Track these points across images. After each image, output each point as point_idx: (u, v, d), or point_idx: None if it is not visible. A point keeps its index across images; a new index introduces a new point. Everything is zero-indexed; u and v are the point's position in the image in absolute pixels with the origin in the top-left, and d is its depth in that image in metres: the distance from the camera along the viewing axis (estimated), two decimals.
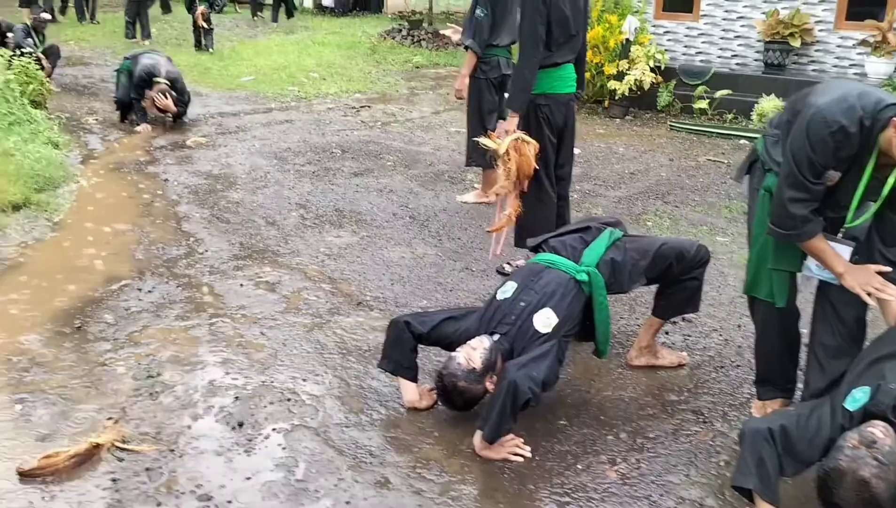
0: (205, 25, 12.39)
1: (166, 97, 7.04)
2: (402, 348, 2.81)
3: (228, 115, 8.18)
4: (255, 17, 17.10)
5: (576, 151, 6.97)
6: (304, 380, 3.02)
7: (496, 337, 2.69)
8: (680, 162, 6.66)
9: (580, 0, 3.81)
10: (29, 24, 8.71)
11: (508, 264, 4.19)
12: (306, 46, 13.16)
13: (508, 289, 2.82)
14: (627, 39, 8.37)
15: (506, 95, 5.05)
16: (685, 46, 9.67)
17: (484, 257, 4.35)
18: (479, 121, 5.15)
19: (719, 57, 9.53)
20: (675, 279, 3.04)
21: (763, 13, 9.03)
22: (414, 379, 2.84)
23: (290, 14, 17.20)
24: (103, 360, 3.09)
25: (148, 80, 7.01)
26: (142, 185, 5.58)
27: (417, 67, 12.23)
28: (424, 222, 4.96)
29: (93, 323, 3.41)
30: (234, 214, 5.02)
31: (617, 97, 8.38)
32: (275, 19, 16.77)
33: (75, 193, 5.30)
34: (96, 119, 7.65)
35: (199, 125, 7.64)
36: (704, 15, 9.56)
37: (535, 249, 3.09)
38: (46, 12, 8.93)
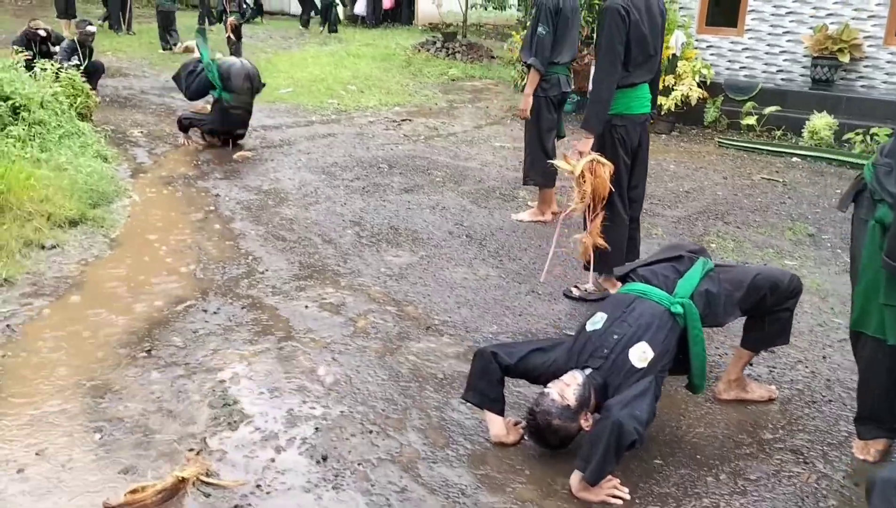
0: (232, 36, 12.56)
1: None
2: (488, 379, 2.71)
3: (271, 128, 8.15)
4: (305, 28, 17.50)
5: None
6: (382, 410, 2.92)
7: (588, 371, 2.58)
8: (734, 180, 6.52)
9: (658, 19, 3.71)
10: (75, 39, 8.72)
11: (576, 287, 4.09)
12: (341, 58, 13.16)
13: (598, 320, 2.71)
14: (674, 54, 8.26)
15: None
16: (729, 61, 9.54)
17: (551, 281, 4.25)
18: (539, 139, 5.06)
19: (764, 72, 9.39)
20: (768, 310, 2.91)
21: (810, 28, 8.89)
22: (501, 412, 2.73)
23: (333, 29, 17.44)
24: (177, 387, 3.02)
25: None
26: (194, 200, 5.54)
27: (454, 80, 12.19)
28: (482, 242, 4.87)
29: (162, 346, 3.34)
30: (289, 231, 4.95)
31: (663, 112, 8.25)
32: (332, 29, 17.17)
33: (129, 208, 5.26)
34: (141, 131, 7.65)
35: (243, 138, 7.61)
36: (749, 30, 9.42)
37: (623, 278, 2.98)
38: (91, 24, 8.93)
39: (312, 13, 18.21)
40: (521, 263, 4.54)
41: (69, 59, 8.30)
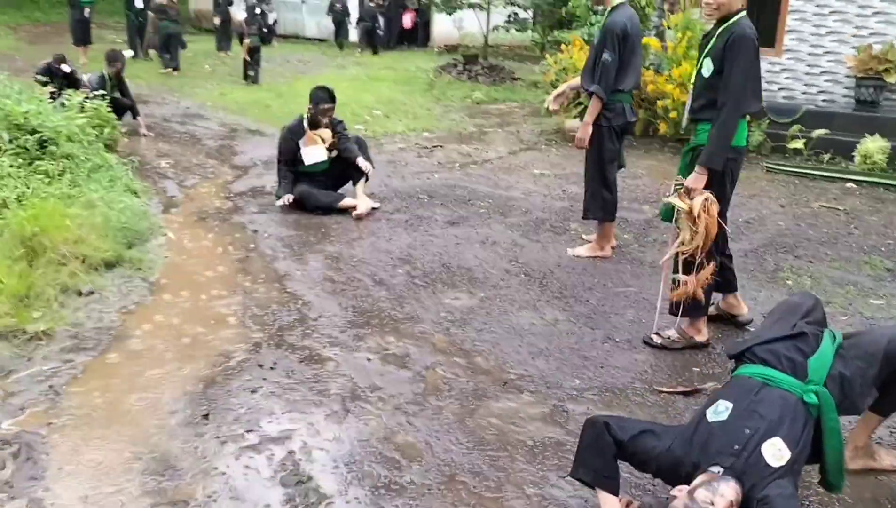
0: (247, 58, 12.73)
1: None
2: (602, 453, 2.39)
3: None
4: (341, 50, 18.06)
5: None
6: (474, 488, 2.61)
7: (717, 470, 2.24)
8: (793, 209, 6.22)
9: None
10: (104, 72, 8.42)
11: (657, 334, 3.78)
12: (363, 83, 12.98)
13: (723, 410, 2.36)
14: None
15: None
16: (767, 83, 9.25)
17: (625, 325, 3.94)
18: (600, 171, 4.78)
19: (804, 94, 9.12)
20: None
21: (853, 48, 8.61)
22: (615, 492, 2.41)
23: (375, 51, 17.63)
24: (243, 461, 2.72)
25: None
26: (231, 237, 5.26)
27: (478, 103, 11.97)
28: (542, 281, 4.57)
29: (220, 409, 3.04)
30: (336, 270, 4.67)
31: None
32: (375, 51, 17.79)
33: (165, 247, 4.99)
34: (168, 162, 7.41)
35: (273, 167, 7.34)
36: (788, 50, 9.17)
37: (737, 356, 2.64)
38: (123, 52, 8.62)
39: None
40: (590, 305, 4.24)
41: (96, 91, 8.08)
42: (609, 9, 4.62)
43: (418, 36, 20.66)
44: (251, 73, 12.93)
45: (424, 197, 6.41)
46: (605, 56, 4.45)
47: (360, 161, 5.91)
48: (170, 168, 7.23)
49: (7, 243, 4.29)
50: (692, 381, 3.40)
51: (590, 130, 4.63)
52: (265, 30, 16.66)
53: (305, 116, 6.06)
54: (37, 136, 5.71)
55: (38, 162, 5.55)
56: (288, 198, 5.87)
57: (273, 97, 11.38)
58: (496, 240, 5.33)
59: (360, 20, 18.32)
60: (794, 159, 7.92)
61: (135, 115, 8.60)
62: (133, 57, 14.32)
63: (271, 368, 3.41)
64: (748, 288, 4.44)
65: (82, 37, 14.21)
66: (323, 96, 5.99)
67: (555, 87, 9.12)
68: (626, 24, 4.46)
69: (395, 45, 19.27)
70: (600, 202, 4.82)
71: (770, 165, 7.58)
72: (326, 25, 20.46)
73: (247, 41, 13.04)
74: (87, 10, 14.03)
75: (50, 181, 5.38)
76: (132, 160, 6.99)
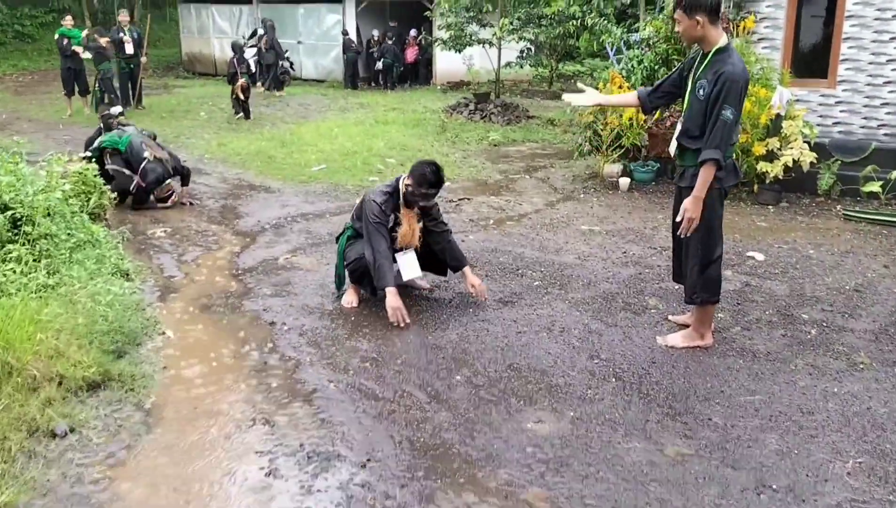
0: (241, 96, 13.02)
1: None
2: None
3: (312, 217, 6.99)
4: (354, 89, 17.99)
5: (758, 255, 5.70)
6: None
7: None
8: None
9: None
10: (101, 126, 7.57)
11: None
12: (370, 126, 12.15)
13: None
14: (778, 114, 7.15)
15: None
16: (820, 117, 8.43)
17: (775, 461, 2.99)
18: (709, 243, 3.85)
19: (863, 128, 8.28)
20: None
21: None
22: None
23: (355, 86, 17.34)
24: None
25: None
26: (244, 333, 4.32)
27: (496, 145, 11.13)
28: (640, 387, 3.62)
29: None
30: (378, 380, 3.71)
31: (768, 181, 7.10)
32: (392, 87, 18.11)
33: (162, 353, 4.03)
34: (165, 231, 6.48)
35: (284, 232, 6.45)
36: (843, 81, 8.34)
37: None
38: (116, 105, 7.73)
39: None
40: (716, 427, 3.28)
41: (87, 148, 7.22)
42: (713, 52, 3.71)
43: (419, 73, 19.97)
44: (241, 111, 13.13)
45: None
46: (727, 113, 3.53)
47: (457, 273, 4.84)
48: (166, 238, 6.29)
49: None
50: None
51: (701, 205, 3.70)
52: (284, 70, 16.98)
53: (402, 188, 4.53)
54: (8, 213, 4.80)
55: (9, 246, 4.62)
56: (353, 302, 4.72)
57: (276, 146, 10.51)
58: (565, 326, 4.39)
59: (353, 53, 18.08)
60: (871, 204, 7.04)
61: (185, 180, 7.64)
62: (125, 108, 13.44)
63: None
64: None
65: (73, 87, 13.36)
66: (430, 179, 4.40)
67: (594, 130, 8.28)
68: (747, 75, 3.59)
69: (395, 85, 18.57)
70: (708, 281, 3.90)
71: (848, 213, 6.68)
72: (324, 66, 19.76)
73: (241, 81, 13.06)
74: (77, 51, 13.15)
75: (25, 271, 4.45)
76: (123, 231, 6.08)
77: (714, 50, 3.68)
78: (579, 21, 11.63)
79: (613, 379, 3.72)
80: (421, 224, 4.68)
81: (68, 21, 13.36)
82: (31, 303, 3.94)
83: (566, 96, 4.31)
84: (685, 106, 3.85)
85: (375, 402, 3.51)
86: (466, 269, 4.76)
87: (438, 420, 3.34)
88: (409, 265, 4.65)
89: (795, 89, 8.43)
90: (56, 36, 13.29)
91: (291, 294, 4.94)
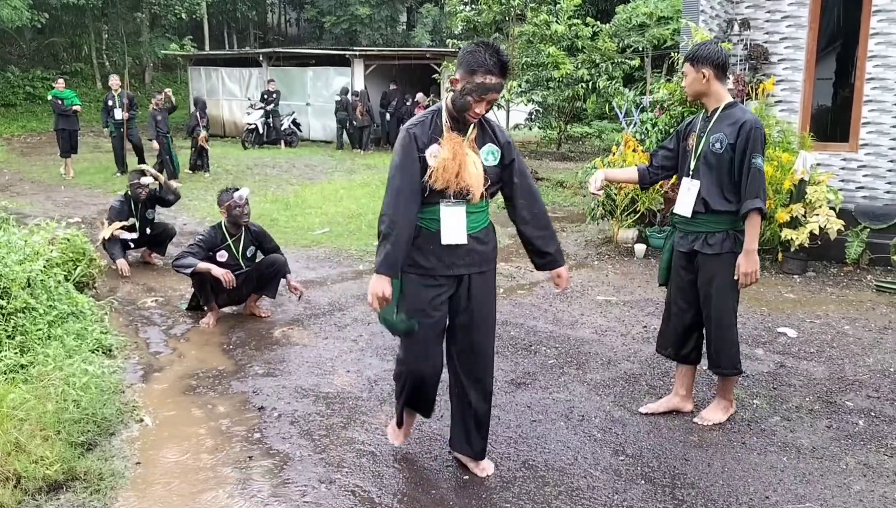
0: (205, 146, 13.76)
1: None
2: None
3: (314, 284, 6.64)
4: (340, 149, 18.12)
5: (790, 332, 5.29)
6: None
7: None
8: None
9: None
10: (127, 192, 7.15)
11: None
12: (376, 188, 11.90)
13: None
14: (802, 179, 6.83)
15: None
16: (842, 181, 8.13)
17: None
18: (733, 306, 3.50)
19: (888, 193, 7.97)
20: None
21: None
22: None
23: (340, 146, 17.37)
24: None
25: None
26: (229, 420, 3.91)
27: (503, 208, 10.79)
28: (675, 493, 3.18)
29: None
30: (378, 483, 3.28)
31: (793, 249, 6.73)
32: (340, 146, 18.29)
33: (137, 445, 3.62)
34: (156, 300, 6.13)
35: (281, 301, 6.09)
36: (865, 144, 8.07)
37: None
38: (146, 174, 7.27)
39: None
40: None
41: (119, 219, 6.90)
42: (722, 107, 3.55)
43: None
44: (201, 162, 13.82)
45: None
46: (758, 161, 3.39)
47: None
48: (157, 308, 5.94)
49: None
50: None
51: (757, 258, 3.40)
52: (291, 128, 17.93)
53: (446, 104, 3.10)
54: None
55: None
56: None
57: (280, 209, 10.26)
58: (584, 413, 3.97)
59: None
60: None
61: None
62: (120, 173, 13.27)
63: None
64: None
65: (69, 148, 13.31)
66: (488, 61, 2.87)
67: (607, 194, 7.98)
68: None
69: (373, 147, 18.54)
70: (734, 348, 3.56)
71: (882, 285, 6.28)
72: (332, 127, 19.74)
73: (203, 133, 13.72)
74: (72, 109, 13.08)
75: None
76: (111, 301, 5.74)
77: (723, 106, 3.54)
78: (588, 84, 11.48)
79: (642, 481, 3.29)
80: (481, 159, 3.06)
81: (60, 84, 13.44)
82: None
83: (590, 185, 4.01)
84: (692, 169, 3.61)
85: None
86: (563, 270, 3.36)
87: None
88: (454, 225, 3.06)
89: (816, 153, 8.15)
90: (49, 98, 13.55)
91: (284, 373, 4.55)
